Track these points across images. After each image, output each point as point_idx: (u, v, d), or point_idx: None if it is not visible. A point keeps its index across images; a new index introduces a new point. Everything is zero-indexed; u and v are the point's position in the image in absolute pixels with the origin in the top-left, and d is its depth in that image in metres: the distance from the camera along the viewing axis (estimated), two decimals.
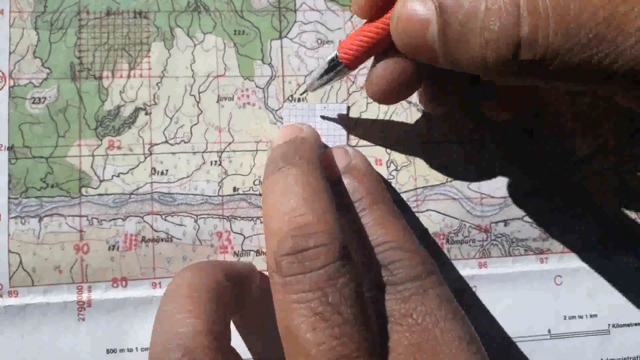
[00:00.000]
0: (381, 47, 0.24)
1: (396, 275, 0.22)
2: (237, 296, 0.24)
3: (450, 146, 0.29)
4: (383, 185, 0.25)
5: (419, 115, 0.29)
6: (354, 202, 0.24)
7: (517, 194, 0.29)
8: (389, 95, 0.25)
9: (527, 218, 0.29)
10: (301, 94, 0.28)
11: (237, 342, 0.27)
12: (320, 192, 0.22)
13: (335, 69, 0.25)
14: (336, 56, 0.25)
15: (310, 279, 0.20)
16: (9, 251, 0.26)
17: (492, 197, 0.29)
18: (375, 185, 0.25)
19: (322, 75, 0.26)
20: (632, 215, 0.29)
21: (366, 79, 0.26)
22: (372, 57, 0.25)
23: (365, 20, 0.24)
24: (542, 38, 0.18)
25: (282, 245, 0.21)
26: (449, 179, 0.29)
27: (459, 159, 0.29)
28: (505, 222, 0.29)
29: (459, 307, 0.22)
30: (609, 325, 0.29)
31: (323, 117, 0.28)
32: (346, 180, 0.25)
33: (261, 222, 0.28)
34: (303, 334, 0.20)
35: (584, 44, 0.18)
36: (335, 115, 0.28)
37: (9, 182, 0.27)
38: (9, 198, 0.26)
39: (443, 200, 0.29)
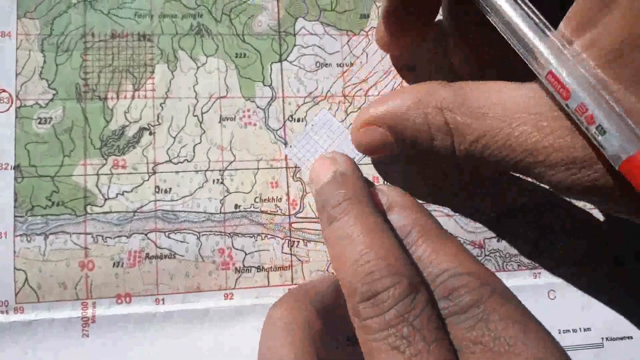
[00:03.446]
0: None
1: (458, 304, 0.22)
2: (329, 331, 0.25)
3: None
4: (429, 213, 0.26)
5: None
6: (403, 239, 0.25)
7: (507, 211, 0.30)
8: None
9: (518, 234, 0.30)
10: None
11: None
12: (379, 233, 0.23)
13: None
14: None
15: (384, 318, 0.22)
16: (15, 268, 0.27)
17: (484, 213, 0.30)
18: (420, 216, 0.26)
19: None
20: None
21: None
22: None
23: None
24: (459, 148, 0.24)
25: (355, 295, 0.22)
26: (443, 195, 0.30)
27: (450, 175, 0.30)
28: (498, 238, 0.30)
29: (530, 319, 0.22)
30: (602, 338, 0.29)
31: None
32: (391, 218, 0.26)
33: (262, 239, 0.28)
34: None
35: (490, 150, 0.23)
36: (338, 135, 0.29)
37: (15, 200, 0.27)
38: (15, 216, 0.27)
39: (438, 217, 0.29)
